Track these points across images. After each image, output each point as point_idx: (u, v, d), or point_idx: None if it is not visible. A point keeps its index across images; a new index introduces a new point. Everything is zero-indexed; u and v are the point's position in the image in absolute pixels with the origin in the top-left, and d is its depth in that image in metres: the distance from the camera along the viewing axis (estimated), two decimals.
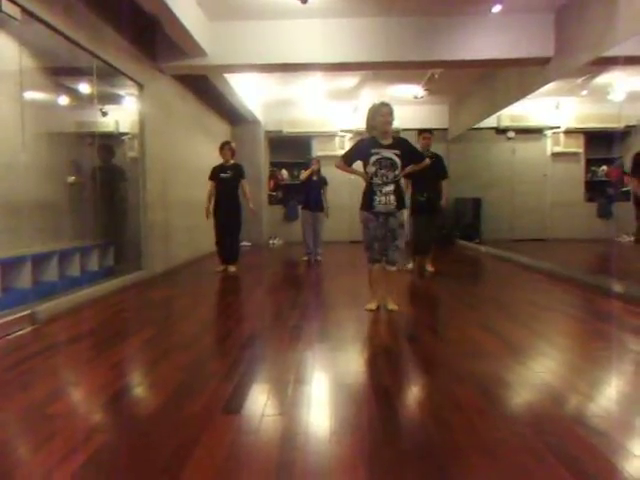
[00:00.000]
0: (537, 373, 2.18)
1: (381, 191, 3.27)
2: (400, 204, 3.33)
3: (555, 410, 1.76)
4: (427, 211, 5.19)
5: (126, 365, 2.42)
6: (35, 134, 4.01)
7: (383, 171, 3.26)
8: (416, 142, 5.49)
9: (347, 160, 3.46)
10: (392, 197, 3.27)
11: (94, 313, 3.52)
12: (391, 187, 3.27)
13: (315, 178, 6.60)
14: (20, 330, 2.91)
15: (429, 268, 5.30)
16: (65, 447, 1.48)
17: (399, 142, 3.35)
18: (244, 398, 1.87)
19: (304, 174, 6.78)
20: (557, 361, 2.41)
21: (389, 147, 3.29)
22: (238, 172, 5.48)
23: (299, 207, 7.20)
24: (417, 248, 5.40)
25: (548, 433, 1.55)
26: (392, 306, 3.38)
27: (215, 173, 5.47)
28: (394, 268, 3.40)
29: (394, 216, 3.31)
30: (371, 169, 3.28)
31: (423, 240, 5.31)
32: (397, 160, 3.26)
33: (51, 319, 3.21)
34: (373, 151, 3.28)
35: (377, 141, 3.31)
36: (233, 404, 1.81)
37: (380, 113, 3.28)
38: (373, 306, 3.40)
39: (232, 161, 5.51)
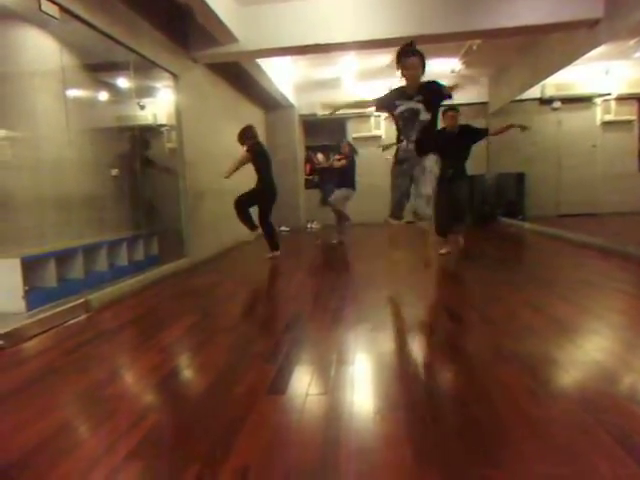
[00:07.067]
0: (588, 351, 2.10)
1: (408, 139, 3.29)
2: (422, 149, 3.24)
3: (608, 388, 1.69)
4: (449, 189, 4.73)
5: (174, 348, 2.51)
6: (79, 130, 4.18)
7: (407, 122, 3.27)
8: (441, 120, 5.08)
9: (376, 105, 3.51)
10: (413, 145, 3.28)
11: (142, 300, 3.67)
12: (414, 136, 3.25)
13: (345, 162, 6.56)
14: (75, 318, 3.09)
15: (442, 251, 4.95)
16: (123, 425, 1.56)
17: (423, 88, 3.25)
18: (288, 379, 1.90)
19: (339, 164, 6.69)
20: (610, 339, 2.30)
21: (412, 97, 3.25)
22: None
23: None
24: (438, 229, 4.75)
25: (601, 411, 1.50)
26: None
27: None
28: (425, 223, 3.31)
29: (417, 161, 3.26)
30: (399, 122, 3.33)
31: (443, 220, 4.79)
32: (420, 107, 3.22)
33: (103, 307, 3.38)
34: (397, 103, 3.29)
35: (403, 91, 3.30)
36: (278, 384, 1.84)
37: (405, 66, 3.20)
38: (393, 222, 3.44)
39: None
